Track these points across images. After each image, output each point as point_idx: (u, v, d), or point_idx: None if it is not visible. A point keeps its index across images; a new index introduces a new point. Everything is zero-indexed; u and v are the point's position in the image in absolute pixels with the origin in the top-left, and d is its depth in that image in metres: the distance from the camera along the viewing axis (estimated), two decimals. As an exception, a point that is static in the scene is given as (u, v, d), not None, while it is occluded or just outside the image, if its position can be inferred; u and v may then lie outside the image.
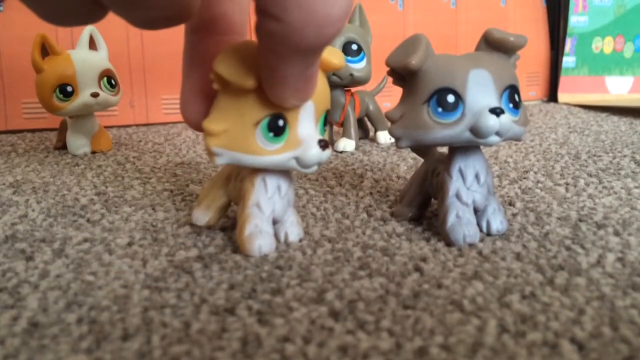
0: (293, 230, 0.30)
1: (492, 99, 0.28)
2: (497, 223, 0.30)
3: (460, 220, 0.29)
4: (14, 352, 0.20)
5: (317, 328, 0.21)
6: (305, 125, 0.27)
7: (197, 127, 0.27)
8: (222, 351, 0.20)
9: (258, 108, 0.25)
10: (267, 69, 0.23)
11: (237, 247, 0.29)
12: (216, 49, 0.25)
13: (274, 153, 0.26)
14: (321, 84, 0.27)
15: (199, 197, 0.31)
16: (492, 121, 0.27)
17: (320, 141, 0.27)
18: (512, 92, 0.28)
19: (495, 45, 0.29)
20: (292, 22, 0.19)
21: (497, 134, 0.27)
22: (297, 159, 0.27)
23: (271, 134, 0.26)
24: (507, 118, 0.27)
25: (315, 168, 0.27)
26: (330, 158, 0.28)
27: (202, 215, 0.31)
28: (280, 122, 0.26)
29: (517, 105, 0.29)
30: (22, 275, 0.26)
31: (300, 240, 0.30)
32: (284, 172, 0.29)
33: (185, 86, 0.27)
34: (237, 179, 0.30)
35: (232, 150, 0.26)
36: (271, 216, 0.29)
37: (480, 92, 0.28)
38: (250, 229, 0.28)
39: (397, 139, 0.30)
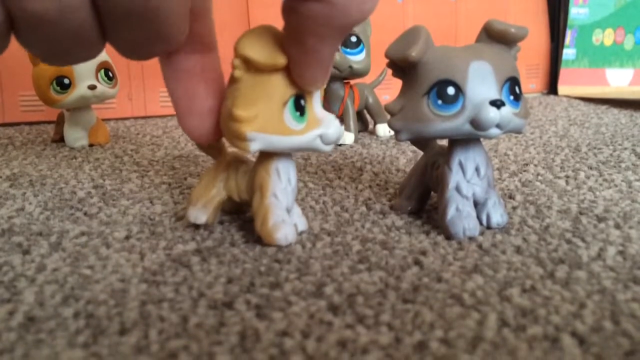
0: (300, 221, 0.31)
1: (493, 91, 0.27)
2: (497, 216, 0.30)
3: (460, 214, 0.29)
4: (9, 346, 0.20)
5: (316, 322, 0.21)
6: (318, 105, 0.28)
7: (202, 138, 0.28)
8: (220, 346, 0.20)
9: (284, 88, 0.26)
10: (303, 52, 0.24)
11: (235, 241, 0.29)
12: (197, 65, 0.26)
13: (301, 133, 0.27)
14: None
15: (193, 196, 0.31)
16: (493, 113, 0.27)
17: (336, 117, 0.28)
18: (512, 84, 0.28)
19: (496, 37, 0.29)
20: (338, 2, 0.20)
21: (498, 126, 0.27)
22: (321, 137, 0.27)
23: (298, 113, 0.27)
24: (507, 110, 0.27)
25: (332, 146, 0.28)
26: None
27: (201, 214, 0.30)
28: (302, 102, 0.27)
29: (517, 98, 0.28)
30: (18, 269, 0.26)
31: (301, 233, 0.30)
32: (292, 161, 0.29)
33: (179, 104, 0.27)
34: (238, 174, 0.30)
35: (266, 133, 0.26)
36: (286, 206, 0.29)
37: (481, 84, 0.27)
38: (274, 219, 0.28)
39: (397, 132, 0.29)
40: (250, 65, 0.25)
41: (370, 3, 0.21)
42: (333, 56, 0.24)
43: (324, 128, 0.27)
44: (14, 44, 0.21)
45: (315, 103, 0.28)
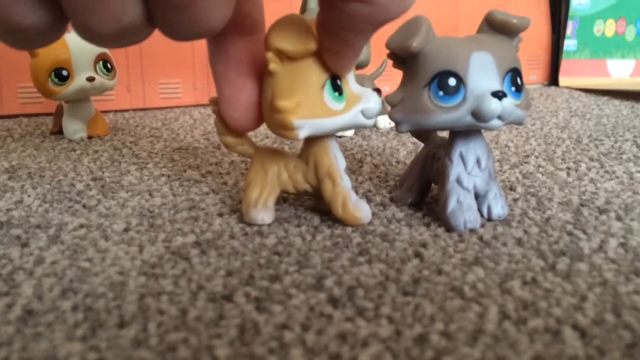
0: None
1: (494, 82, 0.27)
2: (498, 208, 0.30)
3: (461, 206, 0.29)
4: (7, 340, 0.20)
5: (316, 315, 0.21)
6: (352, 81, 0.29)
7: (244, 128, 0.29)
8: (220, 339, 0.19)
9: (320, 71, 0.27)
10: (338, 43, 0.24)
11: (234, 233, 0.29)
12: (247, 48, 0.27)
13: (343, 112, 0.28)
14: None
15: (251, 198, 0.30)
16: (494, 105, 0.26)
17: (374, 89, 0.29)
18: (514, 75, 0.28)
19: (498, 28, 0.28)
20: (380, 3, 0.21)
21: (499, 117, 0.27)
22: (362, 112, 0.28)
23: (336, 93, 0.27)
24: (509, 102, 0.27)
25: (374, 120, 0.29)
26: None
27: (267, 214, 0.31)
28: (338, 82, 0.27)
29: (519, 89, 0.28)
30: (16, 262, 0.26)
31: None
32: (336, 143, 0.30)
33: (224, 89, 0.27)
34: (289, 168, 0.31)
35: (311, 118, 0.27)
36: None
37: (482, 75, 0.27)
38: (353, 200, 0.30)
39: (397, 123, 0.29)
40: (283, 56, 0.26)
41: (410, 0, 0.22)
42: (365, 44, 0.25)
43: (364, 103, 0.28)
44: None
45: (350, 81, 0.28)
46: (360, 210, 0.30)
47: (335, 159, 0.30)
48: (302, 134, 0.27)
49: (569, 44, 1.01)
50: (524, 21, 0.28)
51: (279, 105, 0.26)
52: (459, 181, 0.29)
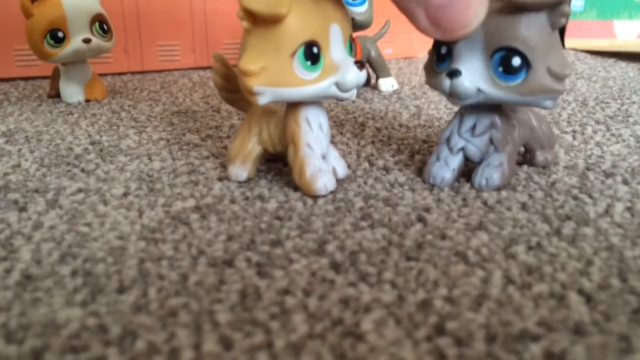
0: (339, 164, 0.31)
1: (473, 60, 0.26)
2: (481, 178, 0.29)
3: (439, 163, 0.30)
4: (6, 305, 0.19)
5: (318, 280, 0.21)
6: (337, 49, 0.27)
7: None
8: (221, 304, 0.19)
9: (291, 38, 0.25)
10: None
11: (235, 197, 0.29)
12: None
13: (314, 82, 0.26)
14: (343, 8, 0.27)
15: (231, 153, 0.31)
16: (444, 83, 0.27)
17: (356, 62, 0.27)
18: (507, 55, 0.26)
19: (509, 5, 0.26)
20: None
21: (452, 95, 0.27)
22: (337, 84, 0.27)
23: (308, 62, 0.26)
24: (462, 81, 0.26)
25: (354, 92, 0.27)
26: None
27: (241, 171, 0.30)
28: (315, 50, 0.26)
29: (512, 70, 0.26)
30: (14, 227, 0.26)
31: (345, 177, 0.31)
32: (320, 107, 0.29)
33: None
34: (270, 127, 0.30)
35: (274, 86, 0.26)
36: (321, 154, 0.29)
37: (465, 50, 0.26)
38: (311, 169, 0.28)
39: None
40: (255, 18, 0.25)
41: None
42: None
43: (340, 75, 0.26)
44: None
45: (334, 47, 0.26)
46: (318, 180, 0.28)
47: (306, 126, 0.28)
48: (263, 100, 0.26)
49: (576, 4, 0.98)
50: None
51: (242, 68, 0.26)
52: (448, 140, 0.29)
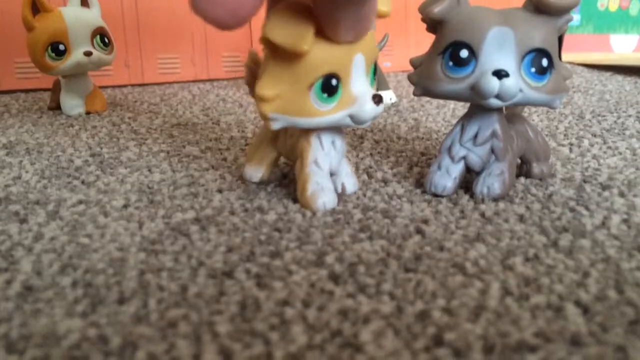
0: (349, 180, 0.31)
1: (507, 61, 0.27)
2: (483, 187, 0.30)
3: (441, 172, 0.30)
4: (7, 316, 0.19)
5: (317, 291, 0.21)
6: (358, 81, 0.27)
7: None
8: (220, 315, 0.19)
9: (311, 70, 0.25)
10: (324, 14, 0.24)
11: (234, 209, 0.29)
12: None
13: (328, 113, 0.26)
14: (369, 33, 0.27)
15: (248, 154, 0.31)
16: (493, 83, 0.26)
17: (374, 97, 0.27)
18: (538, 57, 0.27)
19: (539, 5, 0.27)
20: None
21: (498, 97, 0.27)
22: (351, 116, 0.27)
23: (325, 95, 0.26)
24: (512, 82, 0.26)
25: (369, 123, 0.28)
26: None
27: (255, 172, 0.31)
28: (334, 82, 0.26)
29: (542, 71, 0.27)
30: (15, 238, 0.26)
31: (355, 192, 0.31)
32: (336, 131, 0.29)
33: None
34: (287, 135, 0.30)
35: (288, 114, 0.26)
36: (329, 171, 0.29)
37: (497, 51, 0.26)
38: (313, 187, 0.28)
39: (413, 85, 0.30)
40: (274, 49, 0.25)
41: None
42: (354, 19, 0.24)
43: (356, 108, 0.27)
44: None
45: (355, 78, 0.26)
46: (318, 199, 0.28)
47: (317, 143, 0.28)
48: (276, 125, 0.27)
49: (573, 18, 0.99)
50: (564, 1, 0.26)
51: (258, 92, 0.26)
52: (449, 150, 0.29)
